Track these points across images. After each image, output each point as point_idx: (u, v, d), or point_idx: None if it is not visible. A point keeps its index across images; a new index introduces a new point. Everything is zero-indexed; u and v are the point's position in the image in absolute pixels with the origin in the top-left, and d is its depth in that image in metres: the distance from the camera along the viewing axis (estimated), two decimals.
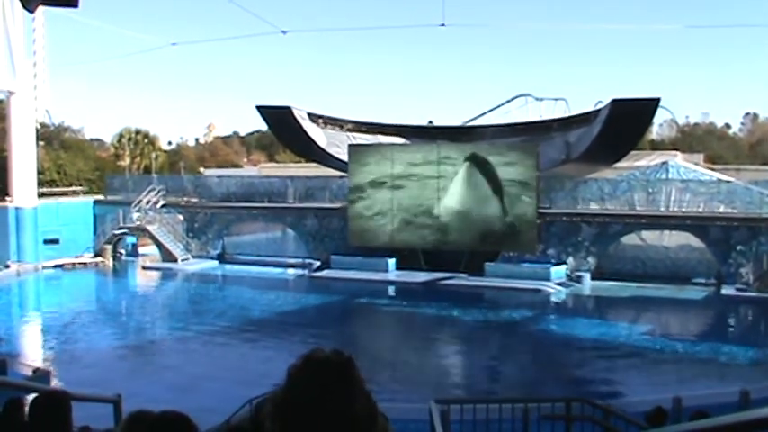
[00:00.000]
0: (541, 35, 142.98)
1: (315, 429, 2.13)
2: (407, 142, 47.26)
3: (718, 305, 36.87)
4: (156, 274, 46.73)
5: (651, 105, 38.24)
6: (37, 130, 49.95)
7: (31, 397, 5.79)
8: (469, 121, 52.81)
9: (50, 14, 46.49)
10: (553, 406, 12.43)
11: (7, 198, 46.68)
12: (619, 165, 43.68)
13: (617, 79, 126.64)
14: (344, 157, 44.68)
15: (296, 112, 45.22)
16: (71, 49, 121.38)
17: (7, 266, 44.68)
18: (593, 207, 41.79)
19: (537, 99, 53.72)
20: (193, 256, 48.31)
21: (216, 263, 48.16)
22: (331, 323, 33.97)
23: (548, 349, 29.69)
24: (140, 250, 51.31)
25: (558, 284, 39.60)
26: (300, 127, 45.40)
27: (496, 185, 40.99)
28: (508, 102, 53.86)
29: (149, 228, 48.24)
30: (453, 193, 41.93)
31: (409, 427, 12.47)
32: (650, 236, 41.89)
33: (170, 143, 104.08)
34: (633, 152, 44.20)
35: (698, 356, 27.14)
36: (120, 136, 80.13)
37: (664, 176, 43.46)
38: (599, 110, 41.25)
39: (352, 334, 33.12)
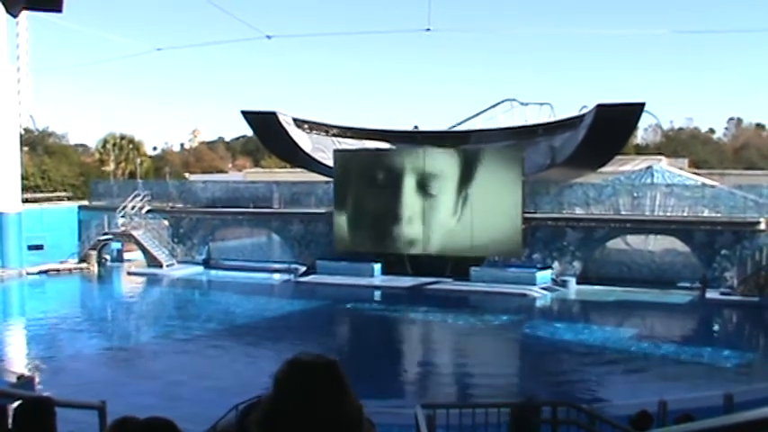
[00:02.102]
0: (527, 40, 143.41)
1: None
2: (393, 147, 47.27)
3: (703, 309, 36.99)
4: (141, 279, 46.59)
5: (636, 110, 38.40)
6: (21, 136, 49.69)
7: (14, 404, 5.76)
8: (455, 125, 52.76)
9: (34, 19, 46.39)
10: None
11: None
12: (604, 169, 43.78)
13: (602, 84, 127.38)
14: (330, 162, 44.64)
15: (281, 117, 45.17)
16: (55, 54, 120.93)
17: None
18: (579, 211, 41.88)
19: (522, 104, 53.77)
20: (179, 262, 48.15)
21: (201, 268, 48.06)
22: (317, 328, 33.88)
23: (533, 353, 29.72)
24: (125, 256, 51.06)
25: (544, 289, 39.67)
26: (285, 132, 45.34)
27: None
28: (494, 106, 53.87)
29: (134, 233, 48.04)
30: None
31: None
32: (635, 240, 42.00)
33: (155, 148, 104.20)
34: (618, 157, 44.35)
35: (683, 360, 27.20)
36: (105, 141, 79.94)
37: (649, 181, 43.66)
38: (584, 115, 41.33)
39: (338, 339, 33.12)
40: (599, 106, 38.00)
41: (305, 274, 44.27)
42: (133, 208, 49.11)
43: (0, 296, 42.09)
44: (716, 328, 35.73)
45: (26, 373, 22.78)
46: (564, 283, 40.39)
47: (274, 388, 2.19)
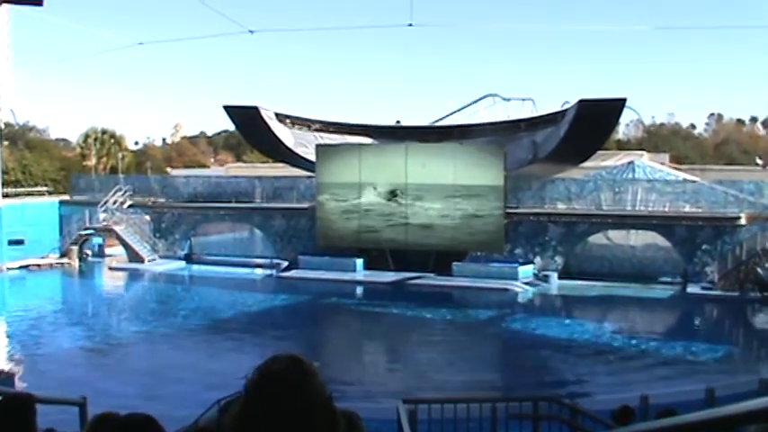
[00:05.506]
0: (509, 35, 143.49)
1: None
2: (375, 142, 47.24)
3: (684, 304, 37.20)
4: (122, 274, 46.34)
5: (617, 106, 38.48)
6: (1, 130, 49.39)
7: None
8: (437, 121, 52.78)
9: (15, 13, 46.01)
10: (521, 405, 12.45)
11: None
12: (585, 165, 43.90)
13: (584, 79, 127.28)
14: (312, 157, 44.58)
15: (263, 112, 45.02)
16: (36, 47, 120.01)
17: None
18: (561, 207, 42.03)
19: (504, 99, 53.78)
20: (160, 257, 47.98)
21: (183, 263, 47.89)
22: (298, 324, 33.82)
23: (515, 348, 29.80)
24: (107, 251, 50.82)
25: (526, 284, 39.78)
26: (268, 127, 45.21)
27: None
28: (476, 102, 53.90)
29: (116, 228, 47.80)
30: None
31: (376, 427, 12.43)
32: (617, 235, 42.21)
33: (137, 143, 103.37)
34: (600, 152, 44.46)
35: (664, 355, 27.32)
36: (86, 136, 79.39)
37: (630, 176, 43.78)
38: (566, 110, 41.38)
39: (319, 334, 33.07)
40: (581, 102, 38.08)
41: (287, 269, 44.20)
42: (115, 203, 48.84)
43: None
44: (697, 322, 35.90)
45: (6, 369, 22.65)
46: (546, 278, 40.49)
47: (243, 395, 2.20)
